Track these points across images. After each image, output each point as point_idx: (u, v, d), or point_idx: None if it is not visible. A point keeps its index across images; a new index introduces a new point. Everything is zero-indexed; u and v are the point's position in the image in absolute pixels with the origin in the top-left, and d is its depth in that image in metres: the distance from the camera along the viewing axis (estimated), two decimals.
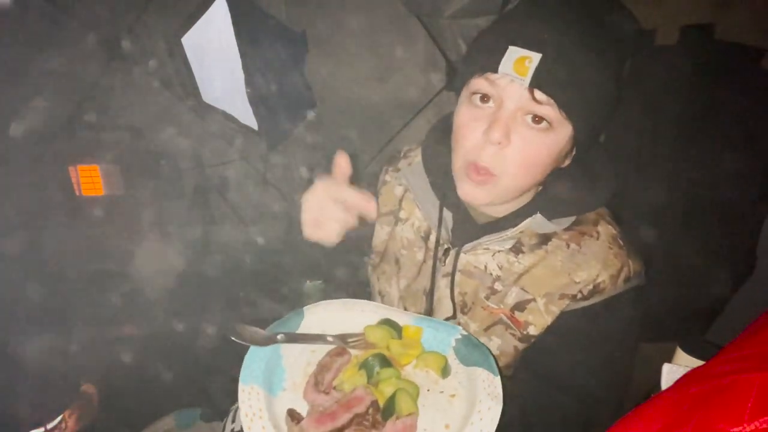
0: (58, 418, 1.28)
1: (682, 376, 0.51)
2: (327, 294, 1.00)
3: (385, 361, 0.72)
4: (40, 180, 1.73)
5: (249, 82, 1.80)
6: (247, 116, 1.93)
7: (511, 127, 0.71)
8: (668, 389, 0.49)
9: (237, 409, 1.02)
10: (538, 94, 0.69)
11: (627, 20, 0.78)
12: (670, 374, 0.64)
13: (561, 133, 0.73)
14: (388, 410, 0.64)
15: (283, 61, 1.68)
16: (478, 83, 0.73)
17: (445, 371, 0.73)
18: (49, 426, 1.25)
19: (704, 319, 1.23)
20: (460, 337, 0.77)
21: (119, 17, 1.77)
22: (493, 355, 0.73)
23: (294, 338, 0.75)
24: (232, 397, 1.07)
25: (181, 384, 1.49)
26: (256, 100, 1.83)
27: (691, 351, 0.76)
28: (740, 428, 0.36)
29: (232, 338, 0.72)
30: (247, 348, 0.72)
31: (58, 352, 1.37)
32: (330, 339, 0.76)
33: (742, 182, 1.11)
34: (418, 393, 0.69)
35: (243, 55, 1.77)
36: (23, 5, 1.63)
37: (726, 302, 1.21)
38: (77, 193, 1.82)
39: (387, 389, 0.67)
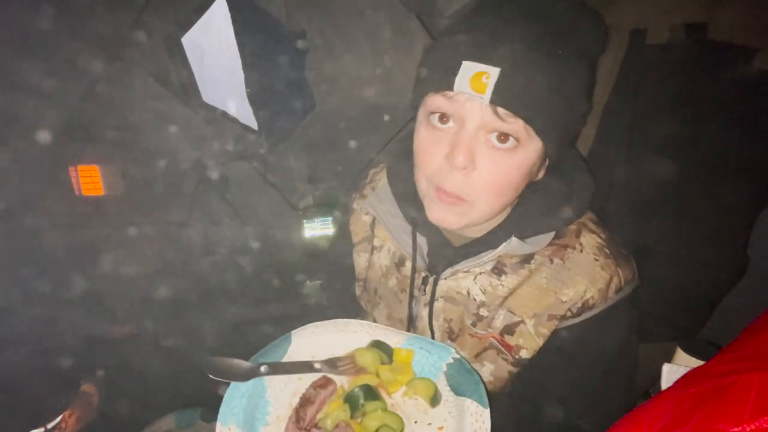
0: (58, 418, 1.27)
1: (682, 376, 0.51)
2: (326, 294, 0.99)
3: (371, 393, 0.68)
4: (40, 180, 1.73)
5: (249, 82, 1.79)
6: (247, 116, 1.93)
7: (475, 149, 0.66)
8: (668, 389, 0.49)
9: None
10: (501, 111, 0.63)
11: (589, 18, 0.72)
12: (670, 374, 0.64)
13: (530, 148, 0.67)
14: None
15: (283, 61, 1.68)
16: (435, 101, 0.67)
17: (434, 400, 0.70)
18: (49, 426, 1.25)
19: (696, 319, 1.24)
20: (451, 361, 0.74)
21: (119, 17, 1.77)
22: (484, 383, 0.70)
23: (278, 369, 0.71)
24: None
25: (181, 384, 1.49)
26: (256, 100, 1.83)
27: (691, 351, 0.76)
28: (740, 428, 0.36)
29: (210, 376, 0.67)
30: (252, 336, 0.70)
31: (58, 351, 1.36)
32: (317, 366, 0.72)
33: (733, 181, 1.11)
34: (404, 428, 0.66)
35: (243, 55, 1.77)
36: (21, 4, 1.62)
37: (717, 302, 1.21)
38: (77, 193, 1.82)
39: (371, 424, 0.65)
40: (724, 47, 1.04)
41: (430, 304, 0.84)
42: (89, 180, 1.82)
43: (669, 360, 0.76)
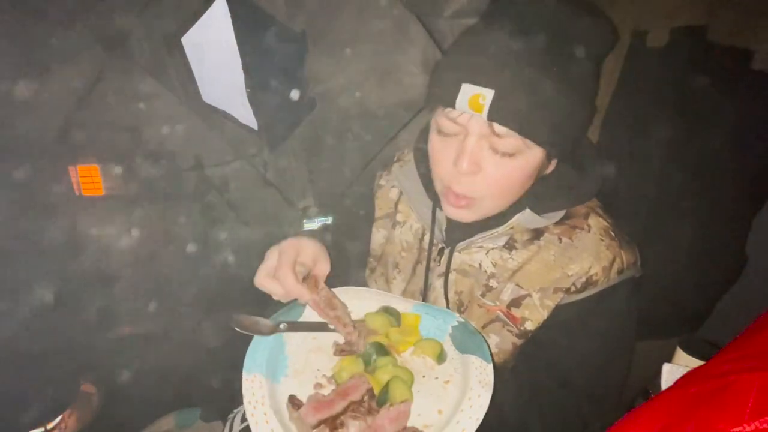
0: (58, 418, 1.27)
1: (682, 376, 0.51)
2: None
3: (382, 350, 0.74)
4: (40, 180, 1.73)
5: (249, 82, 1.79)
6: (247, 116, 1.93)
7: (478, 155, 0.72)
8: (668, 389, 0.49)
9: (234, 417, 1.02)
10: (498, 128, 0.69)
11: (594, 20, 0.75)
12: (670, 374, 0.65)
13: (531, 154, 0.73)
14: (382, 397, 0.67)
15: (283, 61, 1.68)
16: (441, 120, 0.75)
17: (440, 358, 0.75)
18: (49, 426, 1.25)
19: (694, 318, 1.24)
20: (456, 324, 0.79)
21: (119, 17, 1.77)
22: (487, 342, 0.75)
23: (296, 327, 0.78)
24: (233, 397, 1.07)
25: (181, 384, 1.49)
26: (256, 100, 1.83)
27: (691, 351, 0.76)
28: (740, 428, 0.36)
29: (235, 328, 0.73)
30: (247, 340, 0.73)
31: (58, 351, 1.36)
32: (332, 327, 0.77)
33: (731, 181, 1.12)
34: (413, 380, 0.71)
35: (243, 55, 1.77)
36: (22, 4, 1.62)
37: (716, 301, 1.21)
38: (77, 193, 1.82)
39: (383, 377, 0.70)
40: (723, 49, 1.04)
41: (445, 275, 0.88)
42: (89, 180, 1.83)
43: (669, 359, 0.76)
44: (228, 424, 1.02)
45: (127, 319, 1.73)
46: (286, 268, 0.75)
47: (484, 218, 0.86)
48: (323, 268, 0.81)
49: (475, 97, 0.68)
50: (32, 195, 1.68)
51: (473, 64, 0.70)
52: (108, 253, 1.81)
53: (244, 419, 1.01)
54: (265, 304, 0.80)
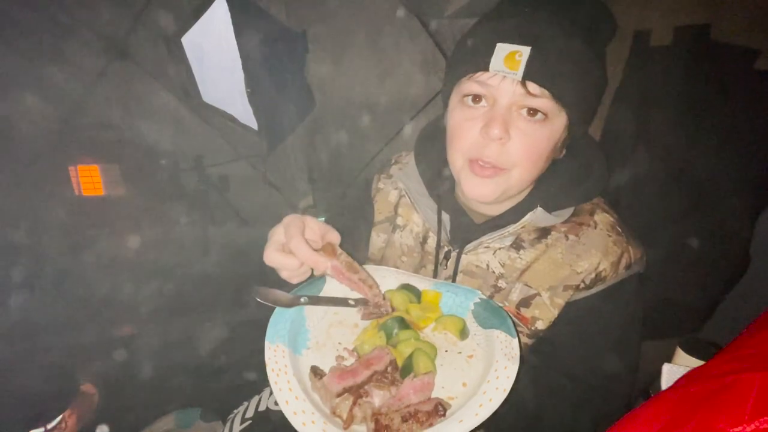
0: (58, 418, 1.27)
1: (682, 376, 0.51)
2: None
3: (404, 324, 0.74)
4: (40, 180, 1.73)
5: (249, 82, 1.79)
6: (247, 116, 1.93)
7: (508, 122, 0.72)
8: (668, 389, 0.49)
9: (234, 417, 1.02)
10: (532, 87, 0.69)
11: (599, 8, 0.82)
12: (670, 374, 0.65)
13: (557, 122, 0.74)
14: (406, 369, 0.67)
15: (283, 61, 1.68)
16: (468, 86, 0.74)
17: (463, 333, 0.74)
18: (49, 426, 1.25)
19: (697, 318, 1.24)
20: (479, 300, 0.78)
21: (119, 17, 1.77)
22: (511, 317, 0.74)
23: (317, 301, 0.77)
24: (233, 397, 1.07)
25: (181, 384, 1.49)
26: (256, 100, 1.83)
27: (691, 351, 0.76)
28: (740, 428, 0.36)
29: (258, 299, 0.72)
30: (249, 340, 0.73)
31: (58, 351, 1.36)
32: (352, 302, 0.76)
33: (735, 182, 1.11)
34: (436, 353, 0.70)
35: (243, 55, 1.78)
36: (23, 4, 1.63)
37: (719, 302, 1.21)
38: (77, 193, 1.82)
39: (405, 350, 0.69)
40: (727, 49, 1.04)
41: (452, 278, 0.87)
42: (89, 180, 1.83)
43: (669, 360, 0.76)
44: (228, 424, 1.02)
45: (127, 319, 1.73)
46: (297, 238, 0.70)
47: (492, 218, 0.85)
48: (335, 236, 0.76)
49: (511, 55, 0.69)
50: (32, 195, 1.68)
51: (507, 24, 0.71)
52: (107, 253, 1.81)
53: (244, 420, 1.00)
54: (264, 306, 0.79)
